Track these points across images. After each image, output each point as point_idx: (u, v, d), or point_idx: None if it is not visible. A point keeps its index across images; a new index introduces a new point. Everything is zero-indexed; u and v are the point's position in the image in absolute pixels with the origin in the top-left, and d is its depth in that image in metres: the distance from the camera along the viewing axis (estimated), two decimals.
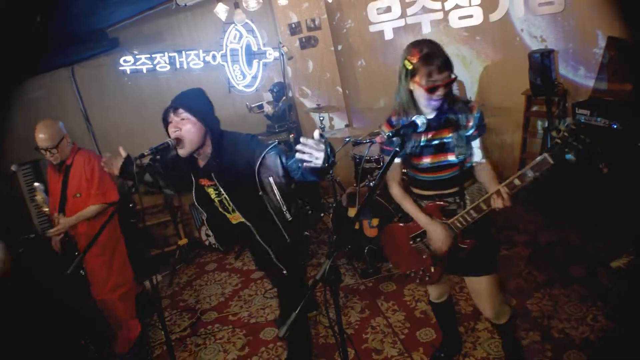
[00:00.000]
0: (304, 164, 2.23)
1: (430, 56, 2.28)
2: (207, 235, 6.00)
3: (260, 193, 2.71)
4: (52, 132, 3.63)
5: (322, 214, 5.69)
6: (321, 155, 2.17)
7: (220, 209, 2.94)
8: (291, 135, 5.49)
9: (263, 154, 2.65)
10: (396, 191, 2.70)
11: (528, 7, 5.16)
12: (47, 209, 3.80)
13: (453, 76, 2.33)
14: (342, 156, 5.74)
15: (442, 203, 2.58)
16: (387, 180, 2.71)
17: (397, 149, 2.22)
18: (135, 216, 4.69)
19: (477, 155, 2.53)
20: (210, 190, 2.85)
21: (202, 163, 2.78)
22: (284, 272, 2.95)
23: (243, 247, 5.56)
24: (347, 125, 5.56)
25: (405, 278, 3.03)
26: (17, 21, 3.93)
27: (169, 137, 2.62)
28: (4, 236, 4.30)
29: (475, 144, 2.51)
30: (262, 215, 2.79)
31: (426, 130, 2.39)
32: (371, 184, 4.62)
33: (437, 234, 2.56)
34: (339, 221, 4.80)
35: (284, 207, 2.79)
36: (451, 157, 2.48)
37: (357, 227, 4.57)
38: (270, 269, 3.07)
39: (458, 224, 2.52)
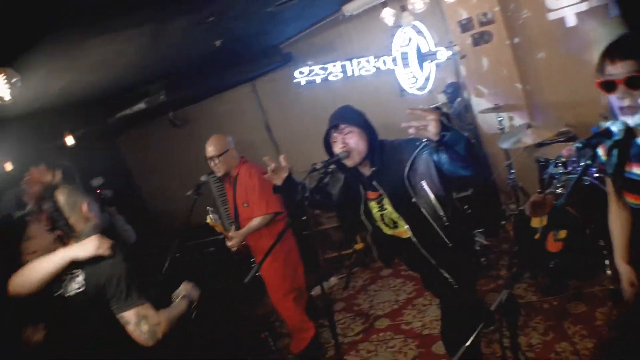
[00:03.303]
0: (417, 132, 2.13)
1: (613, 43, 1.73)
2: None
3: (413, 199, 2.62)
4: (218, 143, 3.97)
5: (502, 222, 5.30)
6: (432, 122, 2.05)
7: (381, 225, 2.88)
8: None
9: (412, 159, 2.60)
10: (610, 218, 2.19)
11: None
12: (219, 228, 3.94)
13: None
14: (526, 158, 5.29)
15: None
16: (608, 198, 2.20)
17: (588, 161, 1.73)
18: (307, 229, 4.84)
19: None
20: (373, 205, 2.82)
21: (366, 173, 2.78)
22: (453, 283, 2.76)
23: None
24: (528, 126, 5.09)
25: None
26: (200, 48, 4.34)
27: (332, 155, 2.71)
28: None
29: None
30: (422, 223, 2.68)
31: (631, 159, 1.85)
32: (557, 190, 4.17)
33: (624, 277, 2.12)
34: (522, 231, 4.41)
35: (441, 211, 2.63)
36: None
37: (537, 236, 4.15)
38: (438, 285, 2.91)
39: None
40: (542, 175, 4.65)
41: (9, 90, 2.77)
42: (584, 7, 5.00)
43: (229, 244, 3.93)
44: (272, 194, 3.96)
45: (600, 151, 1.99)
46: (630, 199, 1.94)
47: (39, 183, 2.33)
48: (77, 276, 2.16)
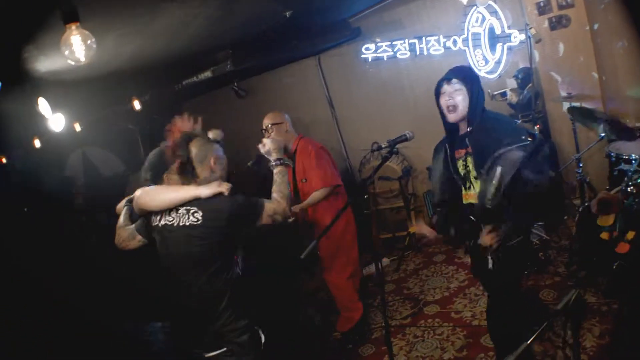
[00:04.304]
0: None
1: None
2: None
3: (482, 170, 2.71)
4: (273, 115, 4.10)
5: (565, 217, 5.10)
6: None
7: (459, 183, 2.97)
8: (537, 127, 5.01)
9: (508, 149, 2.64)
10: None
11: None
12: None
13: None
14: (595, 152, 5.04)
15: None
16: None
17: None
18: (367, 208, 4.83)
19: None
20: (460, 163, 2.93)
21: (462, 131, 2.89)
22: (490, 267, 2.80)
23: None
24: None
25: None
26: (269, 19, 4.33)
27: (440, 107, 2.85)
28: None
29: None
30: None
31: None
32: (629, 189, 3.96)
33: None
34: (586, 228, 4.23)
35: (490, 202, 2.66)
36: None
37: (606, 237, 3.97)
38: (483, 271, 2.92)
39: None
40: (613, 171, 4.42)
41: (84, 52, 2.84)
42: None
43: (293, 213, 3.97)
44: (331, 168, 4.05)
45: None
46: None
47: (179, 132, 2.64)
48: (196, 212, 2.48)
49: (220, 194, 2.48)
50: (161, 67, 5.29)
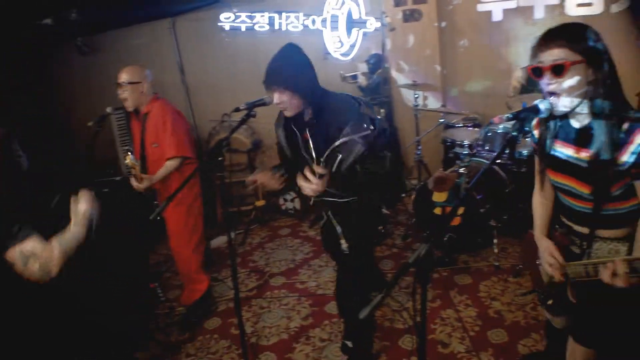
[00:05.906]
0: None
1: (546, 31, 1.83)
2: (285, 200, 5.99)
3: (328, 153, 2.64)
4: (132, 71, 3.68)
5: (402, 195, 5.50)
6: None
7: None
8: (382, 110, 5.32)
9: (348, 139, 2.56)
10: (534, 197, 2.32)
11: None
12: (136, 170, 3.66)
13: (572, 59, 1.75)
14: (431, 138, 5.52)
15: (566, 239, 2.15)
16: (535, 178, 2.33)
17: (515, 133, 1.84)
18: (222, 170, 4.73)
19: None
20: (308, 145, 2.81)
21: (307, 116, 2.73)
22: (344, 248, 2.88)
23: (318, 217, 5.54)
24: (443, 106, 5.31)
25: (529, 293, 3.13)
26: None
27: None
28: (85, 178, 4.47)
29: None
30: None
31: (557, 137, 1.99)
32: (460, 170, 4.40)
33: (544, 253, 2.18)
34: (422, 204, 4.61)
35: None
36: (580, 188, 1.97)
37: (439, 212, 4.37)
38: (334, 246, 3.01)
39: (571, 273, 2.04)
40: (448, 154, 4.88)
41: None
42: (512, 5, 5.27)
43: (139, 186, 3.65)
44: (185, 137, 3.79)
45: (535, 132, 2.12)
46: (552, 177, 2.07)
47: None
48: None
49: None
50: None
